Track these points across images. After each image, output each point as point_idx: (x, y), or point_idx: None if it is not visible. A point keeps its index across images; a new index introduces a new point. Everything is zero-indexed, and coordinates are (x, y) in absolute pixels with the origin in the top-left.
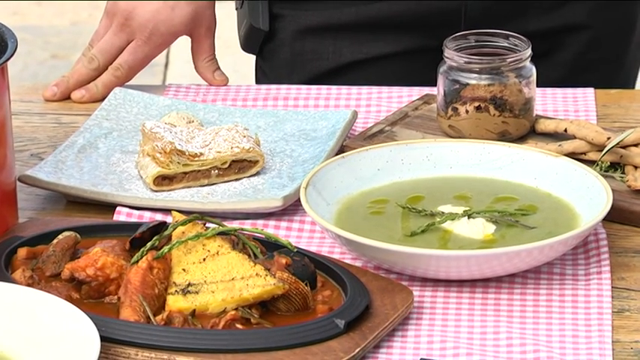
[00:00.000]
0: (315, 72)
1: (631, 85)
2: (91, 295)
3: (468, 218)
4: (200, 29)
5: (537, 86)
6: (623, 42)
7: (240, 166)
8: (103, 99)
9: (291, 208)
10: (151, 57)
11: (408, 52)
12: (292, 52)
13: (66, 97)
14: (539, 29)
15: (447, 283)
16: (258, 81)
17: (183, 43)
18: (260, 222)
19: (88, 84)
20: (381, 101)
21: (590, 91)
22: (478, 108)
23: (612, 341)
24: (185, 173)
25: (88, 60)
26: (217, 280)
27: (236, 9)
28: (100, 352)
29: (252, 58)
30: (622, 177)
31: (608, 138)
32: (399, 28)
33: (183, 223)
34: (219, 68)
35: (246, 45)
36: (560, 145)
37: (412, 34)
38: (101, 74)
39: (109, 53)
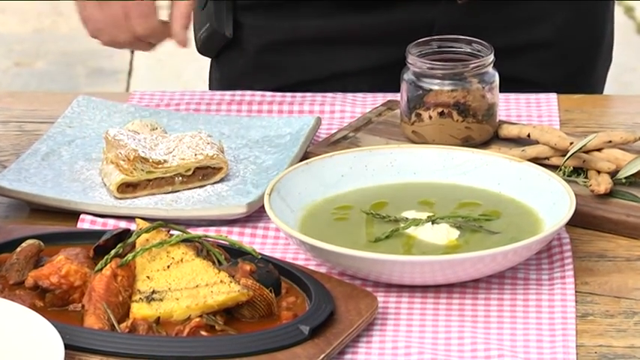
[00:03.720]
0: (277, 85)
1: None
2: (55, 303)
3: (432, 224)
4: None
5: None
6: (589, 57)
7: (204, 173)
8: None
9: (256, 214)
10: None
11: (375, 67)
12: (255, 64)
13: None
14: (507, 46)
15: (412, 288)
16: (211, 85)
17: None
18: (224, 229)
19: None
20: (345, 107)
21: (553, 96)
22: (441, 114)
23: (576, 345)
24: (149, 180)
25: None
26: (182, 287)
27: (198, 7)
28: None
29: None
30: (585, 182)
31: (571, 143)
32: (366, 43)
33: (147, 231)
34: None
35: (205, 48)
36: (523, 151)
37: (379, 48)
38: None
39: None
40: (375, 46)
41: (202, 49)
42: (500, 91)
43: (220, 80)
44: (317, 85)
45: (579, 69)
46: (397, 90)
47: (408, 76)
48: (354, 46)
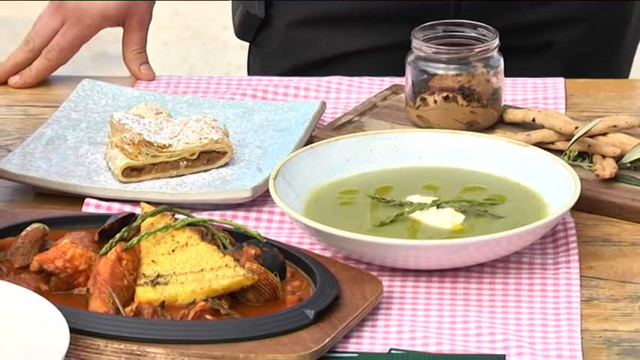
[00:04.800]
0: (306, 61)
1: (624, 77)
2: (60, 287)
3: (437, 208)
4: (132, 20)
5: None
6: (617, 35)
7: (208, 157)
8: (36, 84)
9: (260, 198)
10: (81, 39)
11: (399, 45)
12: (286, 40)
13: (3, 82)
14: (533, 22)
15: (416, 273)
16: (249, 68)
17: (149, 34)
18: (229, 213)
19: (25, 68)
20: (350, 92)
21: (560, 80)
22: (446, 98)
23: (581, 330)
24: (154, 164)
25: (24, 42)
26: (186, 271)
27: None
28: (70, 344)
29: (221, 48)
30: (590, 166)
31: (576, 127)
32: (392, 22)
33: (152, 215)
34: (147, 62)
35: (241, 32)
36: (528, 135)
37: (404, 27)
38: (37, 57)
39: (43, 35)
40: (400, 24)
41: (239, 33)
42: (530, 64)
43: (256, 63)
44: (343, 62)
45: (605, 47)
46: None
47: (412, 60)
48: (379, 24)
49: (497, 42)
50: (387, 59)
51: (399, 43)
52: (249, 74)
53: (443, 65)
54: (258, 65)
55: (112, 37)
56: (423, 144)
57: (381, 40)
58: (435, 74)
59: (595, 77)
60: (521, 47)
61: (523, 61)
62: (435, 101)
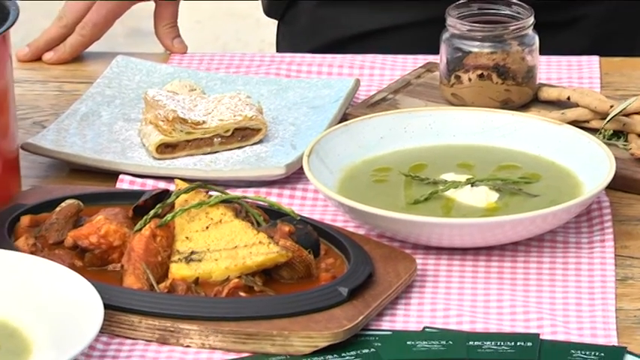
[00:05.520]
0: (333, 39)
1: None
2: (94, 263)
3: (471, 186)
4: None
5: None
6: None
7: (242, 134)
8: (71, 60)
9: (294, 176)
10: (114, 14)
11: (426, 21)
12: (313, 18)
13: (37, 58)
14: None
15: (450, 251)
16: (278, 45)
17: (182, 12)
18: (263, 190)
19: (59, 44)
20: (384, 69)
21: (595, 59)
22: (481, 76)
23: (615, 309)
24: (188, 141)
25: (58, 18)
26: (220, 248)
27: None
28: (104, 320)
29: (254, 25)
30: (625, 145)
31: (611, 106)
32: None
33: (187, 191)
34: (179, 36)
35: (269, 9)
36: (563, 113)
37: (431, 4)
38: (71, 33)
39: (77, 11)
40: (427, 1)
41: (267, 11)
42: (556, 40)
43: (285, 41)
44: (370, 39)
45: (634, 24)
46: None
47: (447, 37)
48: (409, 0)
49: (532, 20)
50: (413, 37)
51: (424, 20)
52: (277, 52)
53: (477, 43)
54: (286, 43)
55: (145, 12)
56: (458, 122)
57: (407, 18)
58: (470, 52)
59: (620, 55)
60: (547, 22)
61: (550, 36)
62: (470, 79)
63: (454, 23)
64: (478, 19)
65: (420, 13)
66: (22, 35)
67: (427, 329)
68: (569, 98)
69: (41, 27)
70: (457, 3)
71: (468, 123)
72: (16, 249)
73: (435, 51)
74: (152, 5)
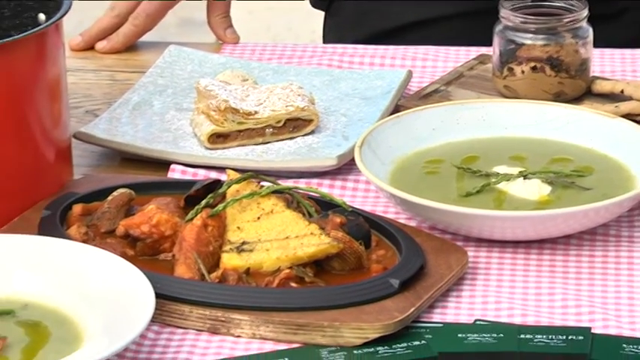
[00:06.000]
0: (377, 31)
1: None
2: (146, 252)
3: (524, 179)
4: None
5: (607, 47)
6: None
7: (294, 125)
8: (123, 49)
9: (346, 167)
10: (167, 4)
11: (468, 13)
12: (357, 10)
13: (90, 47)
14: None
15: (502, 243)
16: (325, 37)
17: (234, 3)
18: (314, 181)
19: (112, 33)
20: (436, 61)
21: None
22: (534, 68)
23: None
24: (240, 131)
25: (110, 8)
26: (272, 238)
27: None
28: (155, 309)
29: (305, 16)
30: None
31: None
32: None
33: (238, 182)
34: (231, 26)
35: (315, 1)
36: (616, 107)
37: None
38: (124, 23)
39: (128, 1)
40: None
41: (313, 3)
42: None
43: (331, 33)
44: (413, 31)
45: None
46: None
47: (500, 29)
48: None
49: (586, 12)
50: (456, 28)
51: (467, 12)
52: (324, 43)
53: (531, 35)
54: (332, 35)
55: (197, 3)
56: (510, 114)
57: (450, 10)
58: (523, 44)
59: None
60: (599, 15)
61: (603, 28)
62: (523, 71)
63: (507, 15)
64: (531, 12)
65: (463, 5)
66: (75, 24)
67: (478, 322)
68: (622, 91)
69: (93, 16)
70: None
71: (520, 115)
72: (68, 237)
73: (478, 43)
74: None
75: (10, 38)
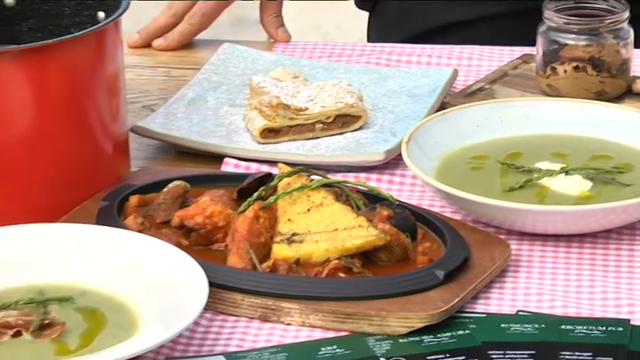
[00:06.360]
0: (419, 31)
1: None
2: (200, 242)
3: (565, 175)
4: None
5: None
6: None
7: (343, 121)
8: (180, 47)
9: (393, 162)
10: (222, 4)
11: (509, 14)
12: (401, 10)
13: (147, 44)
14: None
15: (544, 237)
16: (369, 36)
17: (285, 2)
18: (362, 175)
19: (168, 32)
20: (481, 60)
21: None
22: (576, 68)
23: None
24: (290, 127)
25: (167, 7)
26: (321, 230)
27: None
28: (208, 297)
29: (354, 16)
30: None
31: None
32: None
33: (289, 175)
34: (283, 25)
35: (361, 2)
36: None
37: None
38: (180, 22)
39: (185, 0)
40: None
41: (359, 3)
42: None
43: (375, 33)
44: (456, 30)
45: None
46: (531, 35)
47: (544, 30)
48: None
49: (627, 14)
50: (498, 28)
51: (508, 13)
52: (368, 42)
53: (573, 36)
54: (375, 34)
55: (249, 3)
56: (553, 112)
57: (493, 9)
58: (566, 44)
59: None
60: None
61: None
62: (565, 71)
63: (551, 16)
64: (574, 13)
65: (505, 5)
66: (132, 23)
67: (520, 313)
68: None
69: (150, 15)
70: None
71: (562, 113)
72: (125, 227)
73: (520, 42)
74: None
75: (71, 35)
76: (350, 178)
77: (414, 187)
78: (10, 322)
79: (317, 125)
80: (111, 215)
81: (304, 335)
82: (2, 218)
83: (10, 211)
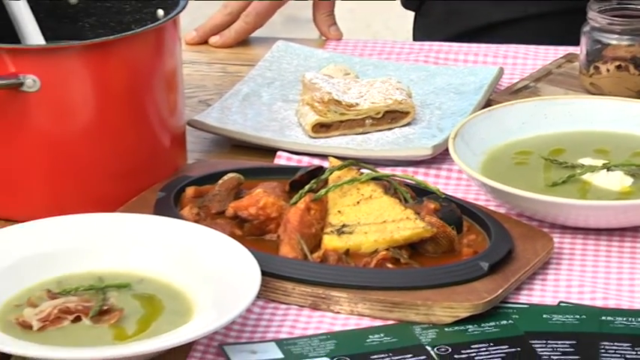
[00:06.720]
0: (464, 29)
1: None
2: (253, 233)
3: (607, 171)
4: None
5: None
6: None
7: (392, 117)
8: (235, 44)
9: (440, 157)
10: (277, 4)
11: (556, 12)
12: (446, 10)
13: (204, 41)
14: None
15: (586, 231)
16: (415, 36)
17: (336, 2)
18: (410, 169)
19: (224, 29)
20: (526, 59)
21: None
22: (618, 67)
23: None
24: (341, 122)
25: (223, 6)
26: (370, 222)
27: None
28: (261, 286)
29: (402, 15)
30: None
31: None
32: None
33: (340, 168)
34: (335, 23)
35: (406, 2)
36: None
37: None
38: (235, 20)
39: (241, 0)
40: None
41: (405, 3)
42: None
43: (420, 32)
44: (499, 29)
45: None
46: (573, 35)
47: (587, 30)
48: None
49: None
50: (539, 28)
51: (550, 13)
52: (414, 40)
53: (616, 36)
54: (421, 33)
55: (301, 2)
56: (595, 110)
57: (536, 9)
58: (609, 44)
59: None
60: None
61: None
62: (608, 70)
63: (595, 17)
64: (617, 14)
65: (548, 4)
66: (189, 21)
67: (562, 304)
68: None
69: (205, 14)
70: None
71: (605, 111)
72: (182, 217)
73: (562, 42)
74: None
75: (131, 32)
76: (398, 171)
77: (460, 182)
78: (71, 307)
79: (367, 120)
80: (168, 206)
81: (352, 323)
82: (65, 208)
83: (72, 201)
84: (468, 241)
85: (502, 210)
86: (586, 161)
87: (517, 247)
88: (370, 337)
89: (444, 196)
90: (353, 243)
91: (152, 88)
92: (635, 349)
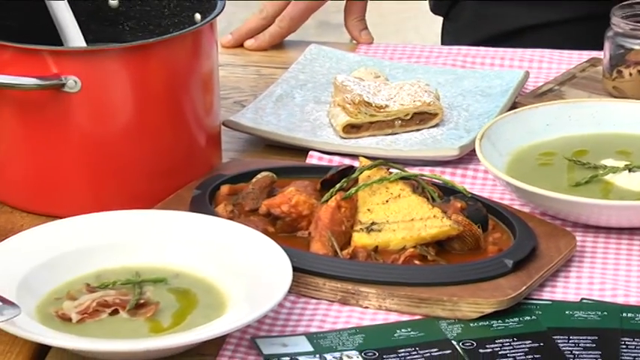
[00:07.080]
0: (492, 34)
1: None
2: (285, 230)
3: (629, 172)
4: None
5: None
6: None
7: (421, 118)
8: (269, 47)
9: (467, 157)
10: (311, 9)
11: (582, 18)
12: (474, 15)
13: (239, 45)
14: None
15: (607, 230)
16: (443, 40)
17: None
18: (438, 169)
19: (259, 33)
20: (551, 63)
21: None
22: None
23: None
24: (371, 123)
25: (259, 11)
26: (398, 220)
27: None
28: (292, 281)
29: (430, 21)
30: None
31: None
32: None
33: (369, 168)
34: (366, 28)
35: (435, 7)
36: None
37: (582, 2)
38: (270, 24)
39: (276, 5)
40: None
41: (433, 9)
42: None
43: (448, 37)
44: (527, 34)
45: None
46: (596, 40)
47: (611, 35)
48: None
49: None
50: (568, 32)
51: (576, 18)
52: (442, 44)
53: (639, 41)
54: (449, 38)
55: (333, 7)
56: (618, 113)
57: (562, 14)
58: (632, 49)
59: None
60: None
61: None
62: (631, 74)
63: (618, 22)
64: None
65: (575, 10)
66: (225, 25)
67: (584, 300)
68: None
69: (240, 19)
70: (622, 4)
71: (627, 114)
72: (216, 214)
73: (585, 46)
74: (340, 1)
75: (170, 35)
76: (426, 171)
77: (486, 181)
78: (108, 301)
79: (396, 122)
80: (203, 203)
81: (381, 318)
82: (104, 204)
83: (111, 198)
84: (493, 239)
85: (526, 209)
86: (608, 162)
87: (541, 245)
88: (397, 331)
89: (470, 195)
90: (382, 240)
91: (189, 89)
92: None
